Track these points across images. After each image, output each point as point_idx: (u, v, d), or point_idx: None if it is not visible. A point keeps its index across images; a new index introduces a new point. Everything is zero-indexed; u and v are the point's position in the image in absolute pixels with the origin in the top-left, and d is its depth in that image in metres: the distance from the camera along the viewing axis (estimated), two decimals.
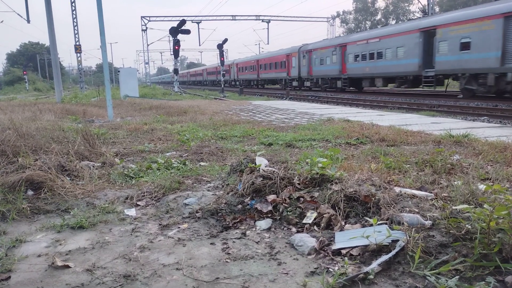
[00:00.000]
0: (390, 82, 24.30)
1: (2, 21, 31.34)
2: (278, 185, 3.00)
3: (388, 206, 2.58)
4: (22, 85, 55.97)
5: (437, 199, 2.73)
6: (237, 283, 1.98)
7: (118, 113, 11.27)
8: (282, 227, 2.68)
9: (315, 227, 2.58)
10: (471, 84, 17.04)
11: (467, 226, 2.16)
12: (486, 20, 15.77)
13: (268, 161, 3.72)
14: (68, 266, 2.19)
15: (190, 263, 2.22)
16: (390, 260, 2.05)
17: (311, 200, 2.80)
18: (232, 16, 46.39)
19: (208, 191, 3.51)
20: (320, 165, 3.07)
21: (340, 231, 2.46)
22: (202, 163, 4.59)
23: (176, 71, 29.76)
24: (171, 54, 29.99)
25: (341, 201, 2.67)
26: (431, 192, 2.89)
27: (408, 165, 3.89)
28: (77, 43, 29.04)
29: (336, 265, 2.13)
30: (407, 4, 67.80)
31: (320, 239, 2.36)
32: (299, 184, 3.01)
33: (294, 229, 2.62)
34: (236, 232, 2.63)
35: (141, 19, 45.53)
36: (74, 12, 27.99)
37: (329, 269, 2.09)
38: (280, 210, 2.80)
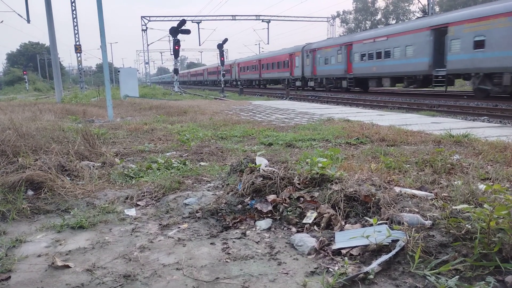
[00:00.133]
0: (398, 82, 23.69)
1: (2, 21, 31.35)
2: (278, 185, 3.00)
3: (388, 206, 2.58)
4: (22, 85, 55.97)
5: (437, 199, 2.73)
6: (237, 283, 1.98)
7: (118, 113, 11.27)
8: (282, 227, 2.68)
9: (315, 227, 2.58)
10: (485, 84, 16.53)
11: (467, 226, 2.16)
12: (502, 18, 15.19)
13: (268, 161, 3.72)
14: (68, 266, 2.19)
15: (190, 263, 2.22)
16: (390, 260, 2.05)
17: (311, 200, 2.80)
18: (232, 16, 46.37)
19: (208, 191, 3.51)
20: (320, 165, 3.07)
21: (340, 231, 2.46)
22: (202, 163, 4.60)
23: (176, 71, 29.76)
24: (171, 54, 30.04)
25: (341, 201, 2.68)
26: (431, 192, 2.89)
27: (408, 165, 3.89)
28: (77, 43, 29.05)
29: (336, 265, 2.13)
30: (407, 4, 67.81)
31: (320, 239, 2.36)
32: (299, 184, 3.01)
33: (294, 229, 2.62)
34: (236, 232, 2.63)
35: (141, 19, 45.55)
36: (74, 12, 28.00)
37: (329, 269, 2.09)
38: (280, 210, 2.80)
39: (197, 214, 2.94)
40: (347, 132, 6.45)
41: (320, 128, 7.05)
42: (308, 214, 2.69)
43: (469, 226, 2.14)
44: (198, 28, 44.81)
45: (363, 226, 2.47)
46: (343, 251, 2.22)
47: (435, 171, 3.62)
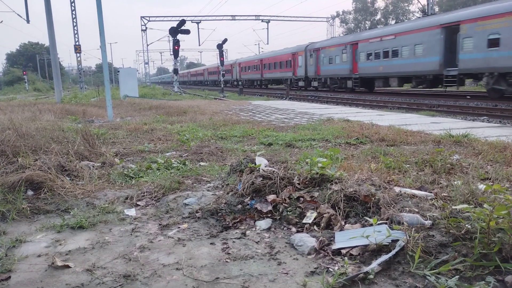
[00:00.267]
0: (406, 82, 23.02)
1: (1, 21, 31.34)
2: (278, 185, 3.00)
3: (388, 206, 2.58)
4: (22, 85, 55.95)
5: (437, 199, 2.73)
6: (237, 283, 1.98)
7: (118, 113, 11.27)
8: (282, 227, 2.68)
9: (315, 227, 2.58)
10: (500, 84, 15.94)
11: (467, 225, 2.16)
12: None
13: (268, 161, 3.73)
14: (68, 266, 2.19)
15: (190, 263, 2.22)
16: (390, 260, 2.05)
17: (311, 200, 2.80)
18: (231, 16, 46.36)
19: (208, 191, 3.51)
20: (320, 165, 3.07)
21: (340, 231, 2.46)
22: (202, 163, 4.59)
23: (175, 71, 29.75)
24: (170, 54, 30.03)
25: (341, 201, 2.68)
26: (431, 192, 2.89)
27: (408, 165, 3.90)
28: (77, 43, 29.06)
29: (336, 265, 2.13)
30: (406, 4, 67.84)
31: (320, 239, 2.36)
32: (299, 184, 3.01)
33: (294, 229, 2.62)
34: (236, 232, 2.63)
35: (141, 19, 45.54)
36: (73, 12, 27.99)
37: (329, 269, 2.09)
38: (280, 210, 2.80)
39: (197, 214, 2.94)
40: (346, 132, 6.45)
41: (320, 128, 7.05)
42: (308, 214, 2.69)
43: (469, 226, 2.14)
44: (198, 28, 44.80)
45: (363, 226, 2.47)
46: (343, 251, 2.22)
47: (435, 171, 3.62)
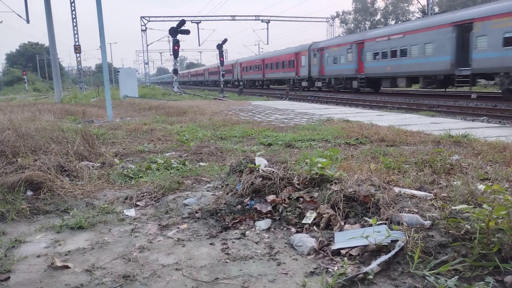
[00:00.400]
0: (415, 82, 22.28)
1: (1, 22, 31.36)
2: (277, 185, 3.00)
3: (388, 206, 2.58)
4: (22, 86, 55.95)
5: (437, 199, 2.73)
6: (236, 283, 1.98)
7: (118, 114, 11.27)
8: (282, 227, 2.68)
9: (315, 227, 2.58)
10: None
11: (466, 226, 2.16)
12: None
13: (268, 161, 3.72)
14: (67, 267, 2.19)
15: (190, 263, 2.22)
16: (390, 260, 2.05)
17: (311, 200, 2.80)
18: (231, 16, 46.33)
19: (207, 191, 3.51)
20: (319, 165, 3.07)
21: (340, 231, 2.46)
22: (201, 164, 4.59)
23: (175, 71, 29.75)
24: (170, 55, 30.02)
25: (341, 201, 2.68)
26: (430, 192, 2.90)
27: (407, 165, 3.90)
28: (77, 43, 29.05)
29: (336, 265, 2.13)
30: (406, 4, 67.87)
31: (319, 239, 2.36)
32: (298, 184, 3.01)
33: (293, 229, 2.62)
34: (236, 233, 2.63)
35: (141, 19, 45.53)
36: (73, 12, 27.99)
37: (329, 269, 2.09)
38: (280, 210, 2.80)
39: (196, 215, 2.94)
40: (346, 133, 6.45)
41: (320, 129, 7.05)
42: (308, 214, 2.69)
43: (468, 226, 2.15)
44: (198, 29, 44.76)
45: (363, 226, 2.47)
46: (343, 251, 2.22)
47: (435, 171, 3.62)
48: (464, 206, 2.29)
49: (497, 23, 15.35)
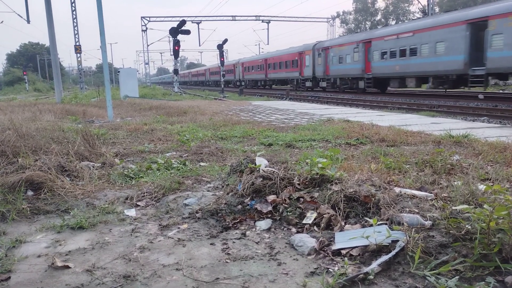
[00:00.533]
0: (424, 82, 21.52)
1: (2, 22, 31.38)
2: (278, 185, 3.00)
3: (388, 207, 2.58)
4: (22, 86, 55.97)
5: (437, 200, 2.73)
6: (237, 284, 1.98)
7: (118, 114, 11.27)
8: (282, 227, 2.68)
9: (315, 228, 2.58)
10: None
11: (467, 226, 2.16)
12: None
13: (268, 161, 3.72)
14: (68, 267, 2.19)
15: (190, 263, 2.22)
16: (390, 260, 2.05)
17: (311, 201, 2.80)
18: (232, 16, 46.33)
19: (208, 191, 3.51)
20: (320, 165, 3.07)
21: (340, 231, 2.46)
22: (202, 164, 4.60)
23: (176, 71, 29.75)
24: (171, 55, 29.94)
25: (341, 201, 2.68)
26: (431, 193, 2.89)
27: (408, 166, 3.90)
28: (77, 44, 29.08)
29: (336, 265, 2.13)
30: (407, 5, 67.88)
31: (320, 240, 2.36)
32: (299, 184, 3.01)
33: (294, 230, 2.62)
34: (236, 233, 2.63)
35: (141, 19, 45.55)
36: (74, 12, 28.02)
37: (329, 269, 2.09)
38: (280, 210, 2.80)
39: (197, 215, 2.94)
40: (347, 133, 6.45)
41: (320, 129, 7.05)
42: (308, 214, 2.69)
43: (469, 227, 2.14)
44: (198, 29, 44.80)
45: (363, 226, 2.47)
46: (343, 252, 2.22)
47: (435, 171, 3.62)
48: (465, 206, 2.29)
49: None
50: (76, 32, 28.82)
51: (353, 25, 73.57)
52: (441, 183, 3.22)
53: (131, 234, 2.67)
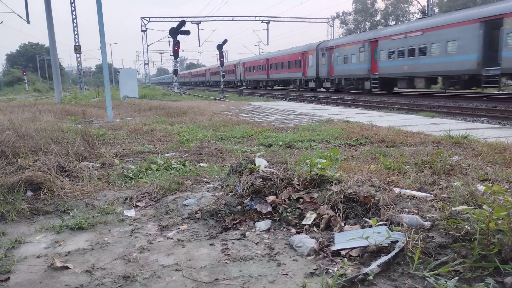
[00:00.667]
0: (434, 83, 20.97)
1: (1, 22, 31.37)
2: (277, 186, 3.00)
3: (388, 207, 2.58)
4: (22, 86, 55.96)
5: (437, 200, 2.73)
6: (236, 284, 1.98)
7: (118, 114, 11.27)
8: (282, 228, 2.68)
9: (315, 228, 2.58)
10: None
11: (466, 227, 2.16)
12: None
13: (268, 162, 3.73)
14: (67, 267, 2.19)
15: (190, 264, 2.22)
16: (390, 261, 2.05)
17: (311, 201, 2.80)
18: (232, 17, 46.30)
19: (207, 192, 3.51)
20: (319, 166, 3.07)
21: (340, 232, 2.46)
22: (201, 164, 4.59)
23: (175, 71, 29.77)
24: (170, 55, 29.99)
25: (341, 202, 2.68)
26: (430, 193, 2.90)
27: (407, 166, 3.90)
28: (77, 44, 29.07)
29: (336, 266, 2.13)
30: (406, 5, 67.93)
31: (319, 240, 2.36)
32: (298, 185, 3.01)
33: (293, 230, 2.62)
34: (236, 233, 2.63)
35: (141, 19, 45.55)
36: (73, 13, 28.01)
37: (329, 270, 2.09)
38: (280, 211, 2.80)
39: (196, 215, 2.94)
40: (346, 133, 6.45)
41: (320, 129, 7.05)
42: (308, 215, 2.69)
43: (469, 227, 2.15)
44: (198, 29, 44.75)
45: (363, 227, 2.47)
46: (343, 252, 2.22)
47: (435, 172, 3.62)
48: (464, 207, 2.29)
49: None
50: (76, 32, 28.83)
51: (352, 25, 73.60)
52: (440, 184, 3.22)
53: (131, 235, 2.67)
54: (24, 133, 5.15)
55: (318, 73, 29.68)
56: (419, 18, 26.80)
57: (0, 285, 2.04)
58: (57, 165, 3.91)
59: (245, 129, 7.24)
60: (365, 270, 1.99)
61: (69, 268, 2.19)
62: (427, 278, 1.90)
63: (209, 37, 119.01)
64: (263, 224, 2.71)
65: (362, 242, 2.20)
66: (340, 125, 7.57)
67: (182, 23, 24.40)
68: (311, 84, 31.05)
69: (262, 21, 46.54)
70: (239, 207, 2.95)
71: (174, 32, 24.09)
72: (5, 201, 3.18)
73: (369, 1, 71.22)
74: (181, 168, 4.31)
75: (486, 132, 6.77)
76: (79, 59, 30.28)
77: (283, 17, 48.87)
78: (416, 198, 2.77)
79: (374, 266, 2.02)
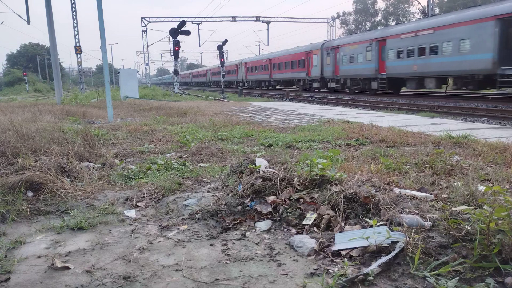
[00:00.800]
0: (445, 83, 20.03)
1: (2, 22, 31.40)
2: (278, 186, 3.00)
3: (388, 207, 2.58)
4: (22, 86, 55.95)
5: (437, 200, 2.73)
6: (236, 284, 1.98)
7: (118, 114, 11.27)
8: (282, 228, 2.68)
9: (315, 228, 2.58)
10: None
11: (466, 227, 2.16)
12: None
13: (268, 162, 3.73)
14: (67, 268, 2.19)
15: (190, 264, 2.22)
16: (390, 261, 2.05)
17: (311, 201, 2.80)
18: (232, 17, 46.28)
19: (208, 192, 3.51)
20: (320, 166, 3.07)
21: (340, 232, 2.46)
22: (202, 164, 4.60)
23: (176, 72, 29.78)
24: (171, 55, 29.95)
25: (341, 202, 2.68)
26: (431, 193, 2.89)
27: (408, 166, 3.90)
28: (77, 44, 29.07)
29: (336, 266, 2.13)
30: (407, 6, 67.94)
31: (320, 240, 2.36)
32: (299, 185, 3.01)
33: (294, 230, 2.62)
34: (236, 233, 2.63)
35: (141, 20, 45.56)
36: (74, 13, 28.02)
37: (329, 270, 2.09)
38: (280, 211, 2.80)
39: (196, 215, 2.94)
40: (347, 133, 6.45)
41: (320, 129, 7.05)
42: (308, 215, 2.69)
43: (469, 228, 2.14)
44: (198, 29, 44.74)
45: (363, 227, 2.47)
46: (343, 252, 2.22)
47: (435, 172, 3.62)
48: (465, 207, 2.29)
49: None
50: (76, 32, 28.82)
51: (353, 26, 73.62)
52: (441, 184, 3.22)
53: (131, 235, 2.67)
54: (25, 133, 5.16)
55: (322, 73, 28.91)
56: (431, 16, 25.74)
57: (0, 285, 2.04)
58: (57, 165, 3.92)
59: (246, 129, 7.24)
60: (366, 270, 1.99)
61: (70, 268, 2.19)
62: (427, 278, 1.90)
63: (209, 37, 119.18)
64: (263, 224, 2.72)
65: (363, 242, 2.20)
66: (340, 125, 7.57)
67: (183, 23, 24.42)
68: (316, 84, 30.28)
69: (263, 22, 46.51)
70: (239, 207, 2.95)
71: (174, 33, 24.10)
72: (6, 202, 3.18)
73: (369, 2, 71.24)
74: (182, 169, 4.32)
75: (486, 132, 6.76)
76: (79, 60, 30.28)
77: (284, 18, 48.88)
78: (417, 198, 2.77)
79: (374, 266, 2.02)
